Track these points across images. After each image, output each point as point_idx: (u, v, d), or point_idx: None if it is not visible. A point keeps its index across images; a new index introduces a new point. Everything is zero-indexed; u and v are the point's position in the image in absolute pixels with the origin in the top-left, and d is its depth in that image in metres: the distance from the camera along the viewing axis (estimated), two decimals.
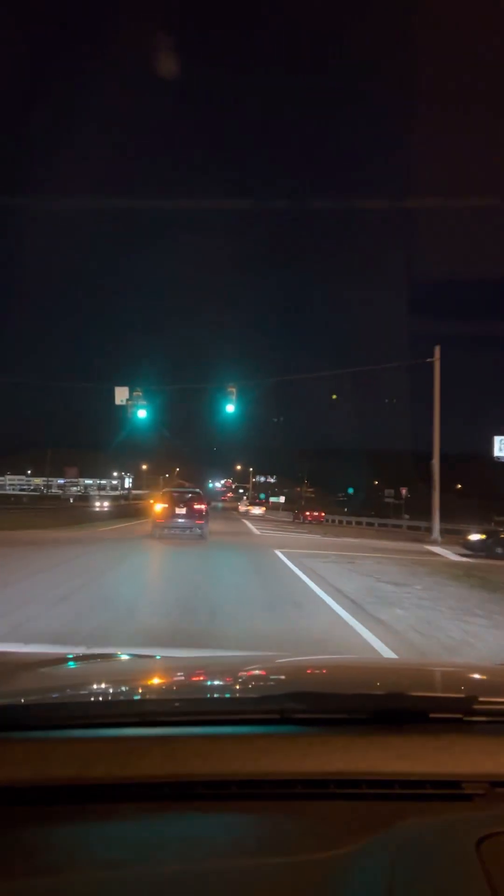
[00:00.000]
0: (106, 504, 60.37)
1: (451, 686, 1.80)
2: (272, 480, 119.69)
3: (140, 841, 1.00)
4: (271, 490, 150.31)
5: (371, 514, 62.92)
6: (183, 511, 18.04)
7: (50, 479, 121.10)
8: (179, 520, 17.97)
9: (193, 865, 0.95)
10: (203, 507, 18.50)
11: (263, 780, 1.12)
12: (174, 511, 18.04)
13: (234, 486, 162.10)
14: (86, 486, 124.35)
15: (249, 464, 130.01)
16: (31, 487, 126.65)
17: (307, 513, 47.65)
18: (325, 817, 1.06)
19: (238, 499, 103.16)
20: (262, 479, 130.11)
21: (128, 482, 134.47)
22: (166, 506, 18.16)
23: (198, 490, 20.96)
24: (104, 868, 0.93)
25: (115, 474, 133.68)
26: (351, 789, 1.12)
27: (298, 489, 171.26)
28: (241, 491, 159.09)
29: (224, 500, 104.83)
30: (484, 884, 0.86)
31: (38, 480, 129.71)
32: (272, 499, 72.25)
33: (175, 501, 18.31)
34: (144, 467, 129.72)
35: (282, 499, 60.11)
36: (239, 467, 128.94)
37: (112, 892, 0.89)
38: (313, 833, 1.02)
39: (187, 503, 18.26)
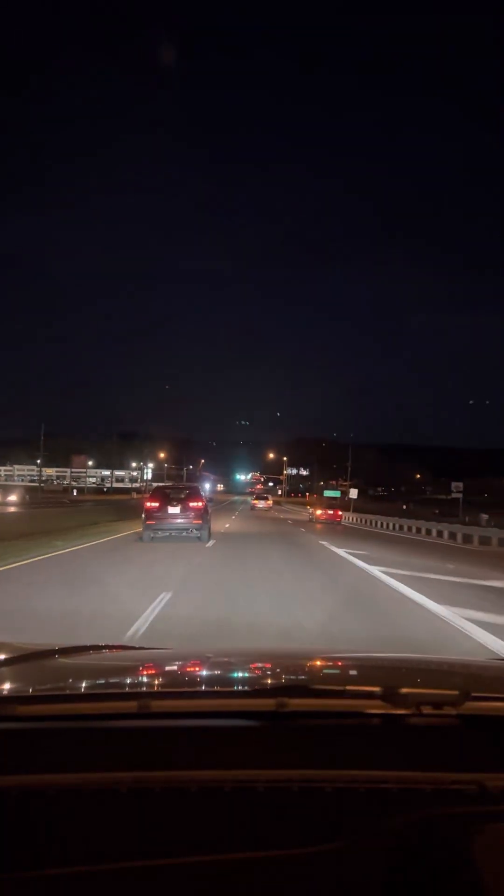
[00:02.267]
0: (12, 499, 45.56)
1: (445, 682, 1.82)
2: (304, 473, 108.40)
3: (128, 834, 1.00)
4: (303, 482, 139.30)
5: (435, 514, 49.02)
6: (177, 510, 16.06)
7: (62, 469, 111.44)
8: (175, 520, 16.06)
9: (181, 858, 0.95)
10: (201, 504, 16.55)
11: (255, 776, 1.13)
12: (167, 510, 16.06)
13: (262, 479, 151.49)
14: (102, 478, 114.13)
15: (278, 455, 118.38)
16: (44, 478, 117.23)
17: (318, 511, 38.70)
18: (316, 812, 1.08)
19: (270, 492, 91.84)
20: (294, 471, 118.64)
21: (148, 473, 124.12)
22: (158, 504, 16.13)
23: (195, 485, 19.54)
24: (90, 860, 0.94)
25: (133, 465, 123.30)
26: (343, 784, 1.13)
27: (333, 482, 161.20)
28: (270, 484, 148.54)
29: (253, 493, 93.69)
30: (472, 879, 0.88)
31: (51, 471, 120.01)
32: (327, 493, 60.09)
33: (168, 499, 16.36)
34: (162, 455, 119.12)
35: (354, 493, 47.12)
36: (272, 455, 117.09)
37: (99, 885, 0.89)
38: (304, 828, 1.04)
39: (183, 501, 16.27)
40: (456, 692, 1.32)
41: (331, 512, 37.93)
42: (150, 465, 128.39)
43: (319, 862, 0.95)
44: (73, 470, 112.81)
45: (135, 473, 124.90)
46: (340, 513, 39.07)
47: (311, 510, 41.17)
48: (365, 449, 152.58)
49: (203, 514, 16.55)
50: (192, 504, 16.36)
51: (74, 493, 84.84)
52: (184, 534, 16.20)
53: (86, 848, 0.98)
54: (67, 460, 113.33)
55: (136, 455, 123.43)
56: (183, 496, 16.59)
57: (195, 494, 17.01)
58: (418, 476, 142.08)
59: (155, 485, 20.41)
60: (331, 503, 42.43)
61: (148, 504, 16.44)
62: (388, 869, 0.93)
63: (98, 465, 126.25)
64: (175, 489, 17.72)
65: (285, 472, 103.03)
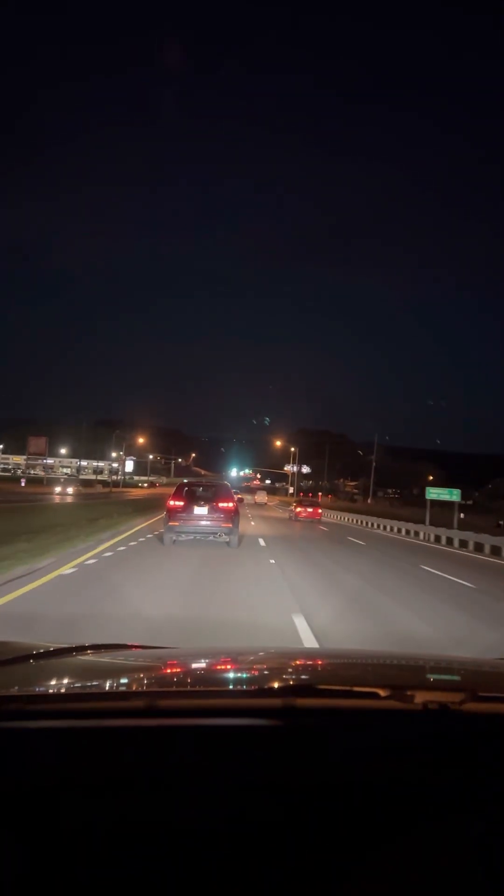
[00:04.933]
0: None
1: (452, 682, 1.84)
2: (307, 471, 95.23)
3: (131, 831, 1.02)
4: (304, 480, 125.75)
5: (500, 527, 34.99)
6: (204, 510, 14.79)
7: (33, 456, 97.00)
8: (201, 521, 14.68)
9: (186, 856, 0.96)
10: (231, 505, 15.21)
11: (262, 776, 1.13)
12: (193, 510, 14.74)
13: (257, 476, 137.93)
14: (79, 468, 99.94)
15: (282, 448, 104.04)
16: (10, 467, 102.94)
17: (298, 508, 37.66)
18: (323, 814, 1.07)
19: (267, 490, 77.55)
20: (294, 468, 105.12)
21: (129, 465, 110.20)
22: (182, 503, 14.82)
23: (225, 483, 17.88)
24: (95, 858, 0.96)
25: (113, 455, 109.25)
26: (350, 784, 1.13)
27: (339, 481, 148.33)
28: (268, 481, 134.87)
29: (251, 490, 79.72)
30: (482, 884, 0.90)
31: (20, 458, 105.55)
32: (434, 492, 39.93)
33: (195, 498, 15.16)
34: (142, 441, 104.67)
35: None
36: (278, 443, 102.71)
37: (101, 882, 0.92)
38: (308, 832, 1.04)
39: (211, 501, 15.03)
40: (462, 692, 1.34)
41: (310, 510, 37.21)
42: (133, 457, 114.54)
43: (325, 866, 0.95)
44: (30, 455, 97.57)
45: (115, 465, 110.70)
46: (321, 511, 38.71)
47: (292, 508, 39.60)
48: (369, 447, 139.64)
49: (233, 517, 15.01)
50: (221, 504, 14.88)
51: (23, 484, 69.95)
52: (210, 537, 15.05)
53: (90, 844, 0.99)
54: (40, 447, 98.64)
55: (120, 445, 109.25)
56: (211, 495, 15.30)
57: (225, 494, 15.50)
58: (431, 478, 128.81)
59: (183, 480, 18.56)
60: (312, 502, 40.87)
61: (171, 503, 14.83)
62: (394, 873, 0.93)
63: (75, 455, 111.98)
64: (202, 487, 16.32)
65: (292, 467, 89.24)
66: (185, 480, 19.05)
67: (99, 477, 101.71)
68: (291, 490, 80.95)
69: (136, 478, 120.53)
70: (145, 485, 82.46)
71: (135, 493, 69.96)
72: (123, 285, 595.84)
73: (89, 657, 1.97)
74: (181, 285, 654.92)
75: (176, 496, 15.01)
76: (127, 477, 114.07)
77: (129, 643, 2.27)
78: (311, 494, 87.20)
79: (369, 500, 59.48)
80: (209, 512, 14.69)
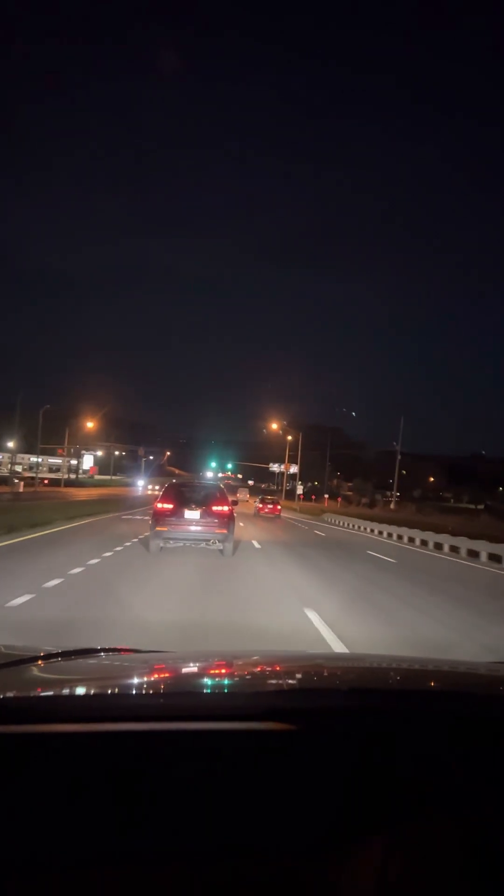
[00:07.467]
0: None
1: (450, 684, 1.84)
2: (294, 470, 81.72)
3: (131, 834, 1.00)
4: (293, 480, 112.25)
5: None
6: (196, 515, 13.69)
7: None
8: (191, 527, 13.61)
9: (182, 859, 0.96)
10: (226, 509, 14.11)
11: (251, 777, 1.11)
12: (184, 514, 13.68)
13: (238, 476, 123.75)
14: (30, 465, 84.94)
15: (264, 450, 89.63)
16: None
17: (260, 505, 40.63)
18: (315, 815, 1.07)
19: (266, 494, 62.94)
20: (278, 467, 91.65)
21: (88, 462, 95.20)
22: (172, 507, 13.79)
23: (219, 485, 16.60)
24: (89, 861, 0.95)
25: (72, 450, 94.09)
26: (341, 788, 1.11)
27: (332, 482, 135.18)
28: (250, 482, 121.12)
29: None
30: (472, 883, 0.91)
31: None
32: None
33: (185, 501, 14.04)
34: (90, 425, 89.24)
35: None
36: (275, 426, 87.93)
37: (95, 885, 0.91)
38: (303, 831, 1.04)
39: (203, 504, 14.01)
40: (461, 695, 1.36)
41: (270, 507, 39.60)
42: (96, 451, 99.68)
43: (318, 865, 0.96)
44: None
45: (74, 461, 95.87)
46: (279, 507, 41.01)
47: (256, 504, 42.61)
48: (359, 445, 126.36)
49: (228, 522, 13.89)
50: (215, 508, 13.80)
51: None
52: (202, 544, 13.91)
53: (84, 847, 0.97)
54: None
55: (84, 438, 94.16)
56: (202, 497, 14.12)
57: (219, 497, 14.36)
58: (431, 479, 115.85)
59: (172, 481, 16.35)
60: (273, 500, 42.99)
61: (160, 506, 13.76)
62: (386, 871, 0.95)
63: (31, 450, 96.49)
64: (193, 489, 15.07)
65: (281, 466, 74.96)
66: (175, 482, 17.03)
67: (55, 475, 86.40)
68: (300, 491, 66.57)
69: (96, 476, 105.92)
70: (17, 481, 54.59)
71: (79, 493, 52.49)
72: (109, 280, 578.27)
73: (80, 661, 1.91)
74: (169, 283, 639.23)
75: (164, 499, 13.91)
76: (83, 475, 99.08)
77: (122, 647, 2.23)
78: (314, 497, 73.85)
79: (392, 506, 45.36)
80: (202, 516, 13.55)
